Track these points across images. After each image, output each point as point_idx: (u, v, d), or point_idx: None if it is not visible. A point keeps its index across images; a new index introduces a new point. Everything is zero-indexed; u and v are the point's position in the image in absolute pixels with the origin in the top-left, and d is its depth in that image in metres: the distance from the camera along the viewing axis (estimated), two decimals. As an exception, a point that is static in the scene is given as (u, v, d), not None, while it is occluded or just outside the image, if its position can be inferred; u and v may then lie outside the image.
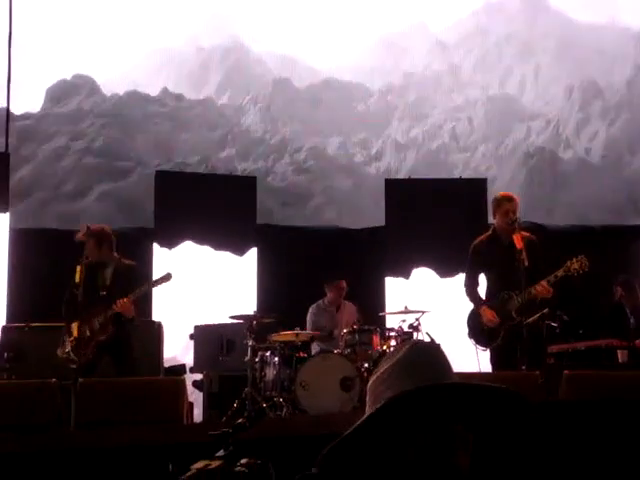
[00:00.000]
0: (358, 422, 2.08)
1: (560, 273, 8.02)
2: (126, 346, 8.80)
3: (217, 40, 37.15)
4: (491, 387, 2.10)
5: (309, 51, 36.95)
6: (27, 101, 26.59)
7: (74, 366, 8.23)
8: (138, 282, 8.88)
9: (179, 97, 31.12)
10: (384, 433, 2.07)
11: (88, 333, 8.53)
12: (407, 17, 38.67)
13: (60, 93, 29.69)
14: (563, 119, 30.76)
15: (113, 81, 33.44)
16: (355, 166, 30.01)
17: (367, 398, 2.22)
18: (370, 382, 2.23)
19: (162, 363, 10.58)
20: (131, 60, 37.01)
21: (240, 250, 13.32)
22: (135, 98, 29.88)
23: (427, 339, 9.99)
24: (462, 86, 34.63)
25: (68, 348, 8.48)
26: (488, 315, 8.34)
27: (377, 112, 33.20)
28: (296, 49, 37.22)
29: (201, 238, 13.18)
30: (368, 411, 2.14)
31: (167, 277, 8.66)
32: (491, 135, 30.97)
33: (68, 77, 31.00)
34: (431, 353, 2.21)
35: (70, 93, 29.91)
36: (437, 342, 9.92)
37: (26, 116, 27.27)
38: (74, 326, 8.43)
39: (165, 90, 31.18)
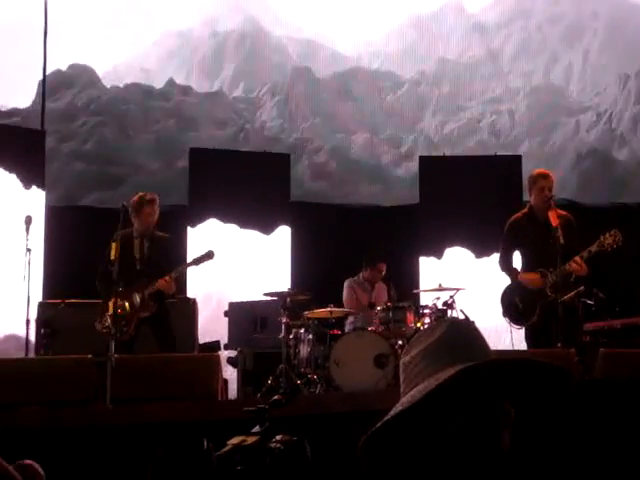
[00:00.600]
0: (400, 404, 2.04)
1: (594, 248, 7.95)
2: (166, 321, 8.88)
3: (232, 24, 32.99)
4: (537, 362, 2.06)
5: (333, 35, 32.79)
6: (18, 95, 23.67)
7: (113, 340, 8.27)
8: (173, 255, 8.97)
9: (186, 90, 27.62)
10: (429, 417, 2.04)
11: (128, 308, 8.57)
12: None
13: (53, 86, 25.16)
14: (617, 113, 26.95)
15: (116, 71, 30.04)
16: (383, 168, 26.82)
17: (401, 377, 2.16)
18: (404, 360, 2.17)
19: (197, 340, 10.61)
20: (137, 46, 33.00)
21: (269, 228, 13.29)
22: (136, 91, 26.58)
23: (461, 317, 9.95)
24: (502, 75, 30.77)
25: (108, 322, 8.47)
26: (530, 277, 8.28)
27: (408, 104, 29.23)
28: (319, 33, 32.99)
29: (232, 216, 13.16)
30: (403, 390, 2.10)
31: (210, 255, 8.73)
32: (536, 131, 27.25)
33: (64, 67, 27.07)
34: (468, 331, 2.17)
35: (64, 86, 26.47)
36: (471, 320, 9.91)
37: (13, 112, 23.79)
38: (112, 301, 8.42)
39: (171, 82, 27.55)
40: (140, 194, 8.89)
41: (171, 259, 8.92)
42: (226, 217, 13.12)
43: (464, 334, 2.15)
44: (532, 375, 2.07)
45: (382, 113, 28.38)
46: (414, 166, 23.56)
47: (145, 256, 8.82)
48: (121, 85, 27.58)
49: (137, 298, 8.63)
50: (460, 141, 28.01)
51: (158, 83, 28.05)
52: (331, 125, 27.33)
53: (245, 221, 13.17)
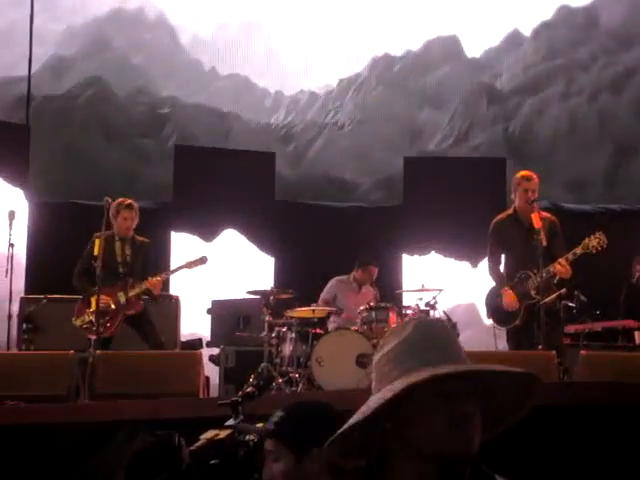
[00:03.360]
0: (367, 406, 2.04)
1: (579, 251, 7.97)
2: (149, 320, 8.98)
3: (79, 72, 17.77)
4: (508, 370, 2.06)
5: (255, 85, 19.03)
6: None
7: (93, 337, 8.31)
8: (152, 259, 9.16)
9: None
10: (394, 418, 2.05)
11: (113, 306, 8.60)
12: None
13: None
14: None
15: None
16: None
17: (373, 375, 2.17)
18: (376, 358, 2.17)
19: (179, 337, 10.61)
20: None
21: (251, 227, 13.23)
22: None
23: (443, 317, 9.97)
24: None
25: (90, 318, 8.51)
26: (509, 298, 8.27)
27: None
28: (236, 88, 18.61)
29: (220, 219, 13.16)
30: (374, 388, 2.11)
31: (203, 260, 8.92)
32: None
33: None
34: (435, 331, 2.15)
35: None
36: (453, 321, 9.93)
37: None
38: (94, 298, 8.44)
39: None
40: (119, 199, 8.93)
41: (150, 263, 9.08)
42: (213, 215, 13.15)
43: (430, 336, 2.12)
44: (498, 382, 2.08)
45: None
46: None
47: (127, 259, 8.90)
48: None
49: (122, 297, 8.68)
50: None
51: None
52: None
53: (230, 219, 13.19)
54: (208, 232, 13.14)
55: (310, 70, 18.39)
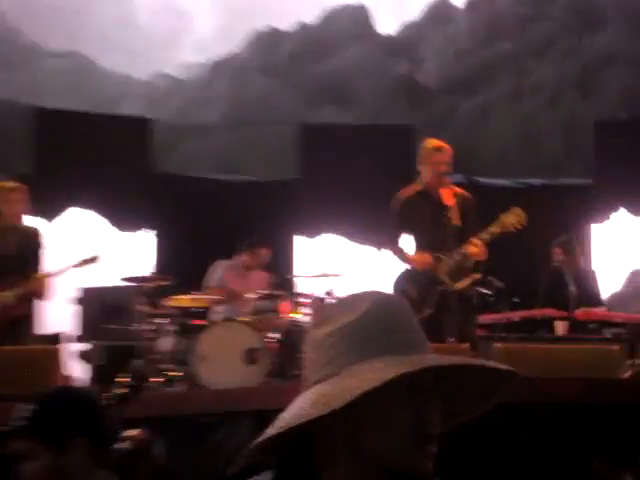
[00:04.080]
0: (321, 395, 1.84)
1: (495, 229, 7.98)
2: (29, 327, 9.05)
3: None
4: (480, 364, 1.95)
5: None
6: None
7: None
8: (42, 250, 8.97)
9: None
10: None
11: None
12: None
13: None
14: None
15: None
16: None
17: (308, 354, 1.97)
18: (314, 337, 1.96)
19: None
20: None
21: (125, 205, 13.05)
22: None
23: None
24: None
25: None
26: (421, 258, 8.29)
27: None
28: None
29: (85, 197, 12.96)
30: (313, 372, 1.92)
31: (94, 259, 8.99)
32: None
33: None
34: (399, 311, 1.97)
35: None
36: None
37: None
38: None
39: None
40: (1, 182, 8.86)
41: (41, 255, 8.92)
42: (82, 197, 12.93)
43: (394, 315, 1.95)
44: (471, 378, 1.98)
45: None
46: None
47: (14, 252, 8.69)
48: None
49: (9, 296, 8.49)
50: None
51: None
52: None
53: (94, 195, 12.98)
54: (52, 211, 12.80)
55: (172, 45, 14.94)
